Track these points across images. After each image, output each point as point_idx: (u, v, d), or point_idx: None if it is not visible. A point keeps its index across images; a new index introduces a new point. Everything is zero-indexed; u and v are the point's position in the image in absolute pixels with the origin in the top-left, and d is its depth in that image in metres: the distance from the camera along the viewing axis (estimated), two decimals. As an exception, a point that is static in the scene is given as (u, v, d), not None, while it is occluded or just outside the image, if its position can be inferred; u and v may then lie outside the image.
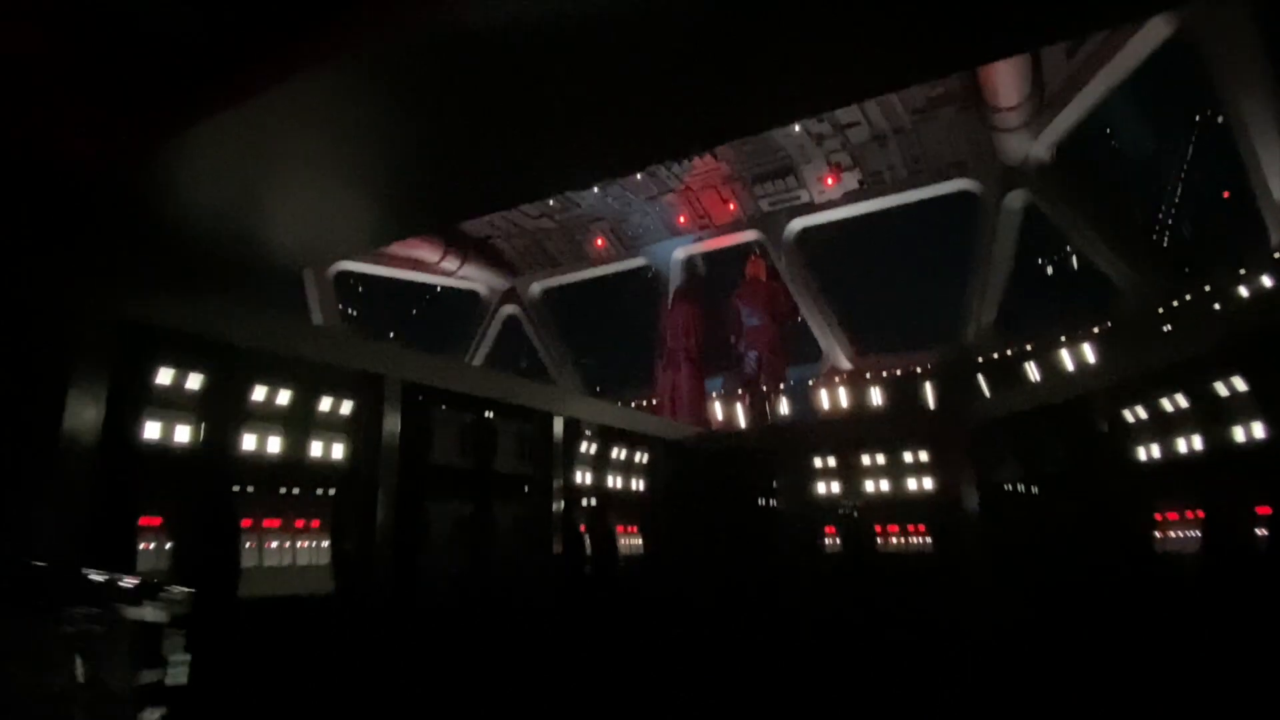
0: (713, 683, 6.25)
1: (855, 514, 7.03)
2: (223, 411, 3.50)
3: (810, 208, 9.44)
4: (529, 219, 10.21)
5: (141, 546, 3.06)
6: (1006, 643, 5.61)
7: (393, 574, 4.05)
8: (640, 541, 6.62)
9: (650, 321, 10.83)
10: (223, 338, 3.46)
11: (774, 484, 7.49)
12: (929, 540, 6.60)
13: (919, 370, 8.36)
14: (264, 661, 3.23)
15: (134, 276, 3.18)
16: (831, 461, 7.16)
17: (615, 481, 6.48)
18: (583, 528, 5.93)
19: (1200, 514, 4.15)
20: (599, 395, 11.12)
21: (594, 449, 6.18)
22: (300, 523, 3.73)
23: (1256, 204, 5.57)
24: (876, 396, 8.36)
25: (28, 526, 2.74)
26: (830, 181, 8.99)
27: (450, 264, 10.56)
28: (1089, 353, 6.69)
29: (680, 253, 10.55)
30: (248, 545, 3.46)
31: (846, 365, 9.38)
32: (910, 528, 6.68)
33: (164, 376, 3.27)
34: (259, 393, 3.64)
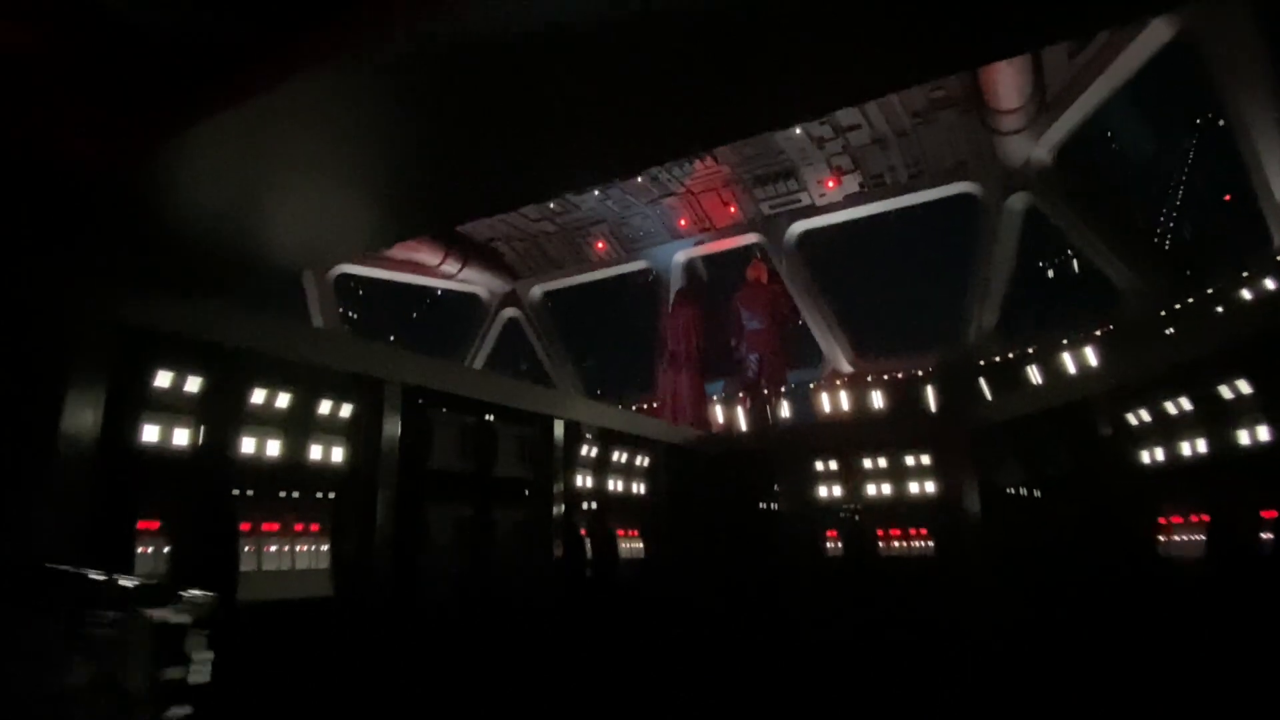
0: (714, 686, 6.22)
1: (856, 517, 7.00)
2: (222, 414, 3.48)
3: (811, 210, 9.44)
4: (529, 222, 10.20)
5: (139, 550, 3.04)
6: (1009, 646, 5.58)
7: (392, 578, 4.03)
8: (641, 545, 6.59)
9: (651, 325, 10.82)
10: (222, 340, 3.44)
11: (775, 487, 7.46)
12: (931, 544, 6.58)
13: (920, 373, 8.35)
14: (262, 666, 3.21)
15: (133, 277, 3.17)
16: (833, 465, 7.14)
17: (616, 485, 6.45)
18: (583, 531, 5.91)
19: (1205, 518, 4.12)
20: (599, 398, 11.11)
21: (594, 452, 6.17)
22: (299, 526, 3.71)
23: (1257, 206, 5.56)
24: (878, 400, 8.34)
25: (24, 529, 2.73)
26: (831, 184, 8.99)
27: (451, 267, 10.56)
28: (1091, 356, 6.67)
29: (681, 256, 10.54)
30: (246, 549, 3.44)
31: (847, 368, 9.36)
32: (912, 531, 6.66)
33: (163, 379, 3.25)
34: (258, 395, 3.62)
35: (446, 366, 5.64)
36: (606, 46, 1.94)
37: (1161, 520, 4.44)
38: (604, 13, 1.80)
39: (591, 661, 5.36)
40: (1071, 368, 6.83)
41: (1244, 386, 3.77)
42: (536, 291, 11.55)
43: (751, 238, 9.99)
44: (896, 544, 6.72)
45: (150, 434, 3.17)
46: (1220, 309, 5.84)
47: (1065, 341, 7.11)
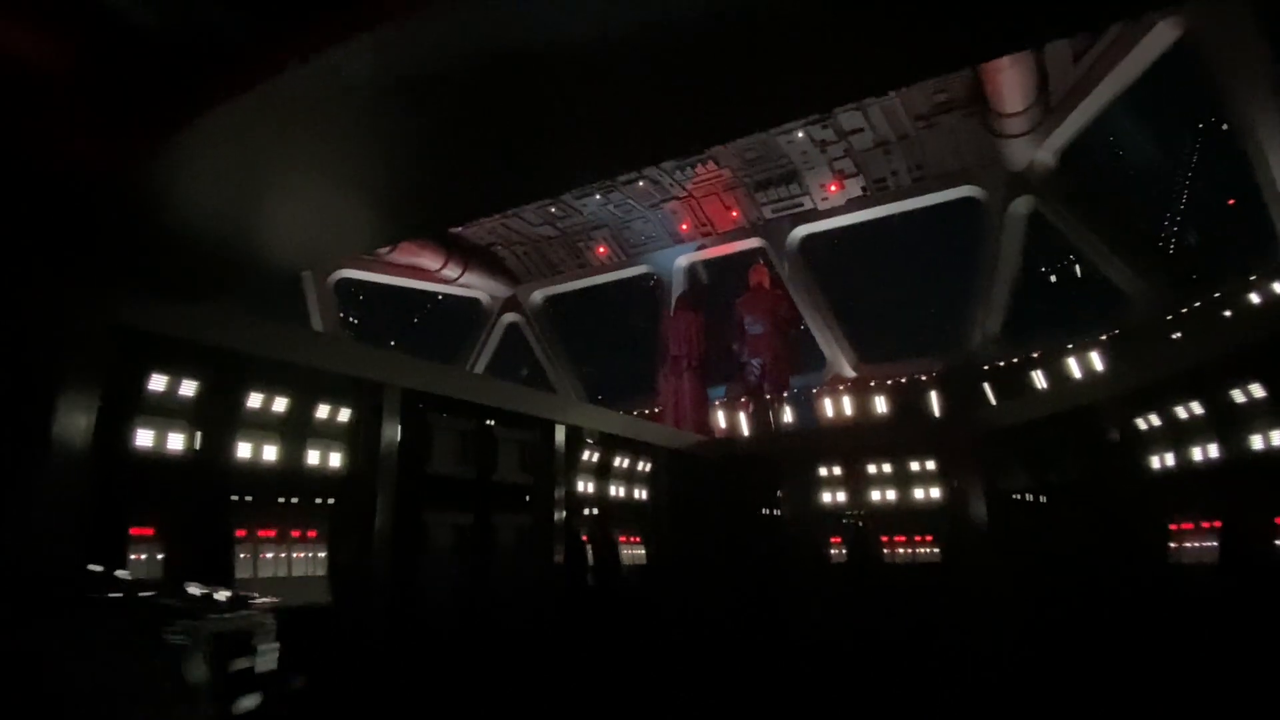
0: (717, 694, 6.14)
1: (860, 524, 6.94)
2: (217, 419, 3.43)
3: (814, 215, 9.40)
4: (530, 226, 10.17)
5: (133, 557, 2.99)
6: (1016, 655, 5.50)
7: (391, 585, 3.97)
8: (643, 551, 6.53)
9: (652, 329, 10.78)
10: (218, 343, 3.40)
11: (778, 493, 7.41)
12: (936, 550, 6.51)
13: (924, 378, 8.29)
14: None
15: (129, 279, 3.13)
16: (836, 470, 7.08)
17: (618, 491, 6.40)
18: (585, 537, 5.85)
19: (1216, 524, 4.06)
20: (601, 404, 11.05)
21: (596, 458, 6.11)
22: (296, 533, 3.66)
23: (1261, 211, 5.51)
24: (881, 405, 8.29)
25: (16, 535, 2.68)
26: (834, 188, 8.96)
27: (451, 271, 10.53)
28: (1097, 360, 6.61)
29: (683, 260, 10.51)
30: (242, 556, 3.39)
31: (850, 373, 9.31)
32: (917, 538, 6.59)
33: (157, 382, 3.20)
34: (255, 400, 3.57)
35: (446, 371, 5.59)
36: (606, 46, 1.91)
37: (1172, 527, 4.38)
38: (604, 13, 1.77)
39: (593, 670, 5.29)
40: (1077, 372, 6.78)
41: (1257, 390, 3.71)
42: (538, 296, 11.52)
43: (753, 242, 9.95)
44: (901, 550, 6.65)
45: (144, 439, 3.12)
46: (1228, 313, 5.78)
47: (1071, 346, 7.05)
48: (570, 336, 12.11)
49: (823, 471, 7.12)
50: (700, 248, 10.31)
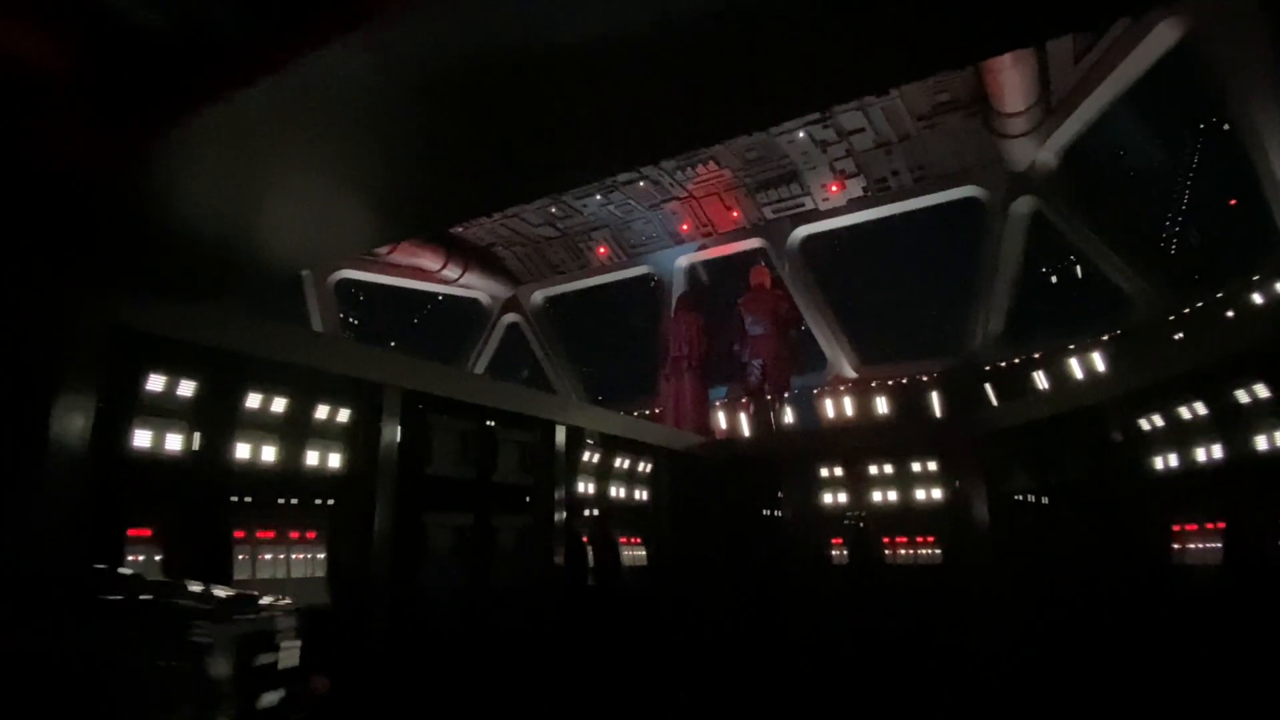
0: (718, 697, 6.13)
1: (862, 525, 6.92)
2: (217, 419, 3.42)
3: (815, 215, 9.38)
4: (531, 227, 10.16)
5: (130, 558, 2.97)
6: (1018, 657, 5.48)
7: (391, 586, 3.96)
8: (644, 553, 6.51)
9: (653, 330, 10.77)
10: (218, 343, 3.38)
11: (779, 494, 7.39)
12: (938, 552, 6.49)
13: (925, 379, 8.27)
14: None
15: (128, 279, 3.12)
16: (838, 471, 7.06)
17: (618, 492, 6.38)
18: (585, 539, 5.83)
19: (1221, 525, 4.04)
20: (601, 404, 11.04)
21: (597, 459, 6.10)
22: (295, 534, 3.65)
23: (1263, 211, 5.49)
24: (882, 405, 8.27)
25: (15, 535, 2.66)
26: (835, 189, 8.94)
27: (451, 272, 10.52)
28: (1099, 360, 6.59)
29: (683, 261, 10.50)
30: (240, 557, 3.37)
31: (851, 374, 9.29)
32: (919, 539, 6.57)
33: (157, 382, 3.19)
34: (254, 400, 3.56)
35: (446, 372, 5.58)
36: (606, 45, 1.90)
37: (1175, 528, 4.35)
38: (605, 13, 1.76)
39: (594, 672, 5.27)
40: (1080, 373, 6.76)
41: (1261, 390, 3.69)
42: (538, 296, 11.51)
43: (754, 242, 9.93)
44: (903, 552, 6.63)
45: (142, 439, 3.11)
46: (1231, 312, 5.76)
47: (1073, 347, 7.04)
48: (570, 337, 12.10)
49: (824, 472, 7.10)
50: (701, 248, 10.30)
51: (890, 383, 8.53)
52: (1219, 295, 6.01)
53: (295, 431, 3.75)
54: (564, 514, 5.42)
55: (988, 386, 7.69)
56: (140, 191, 2.62)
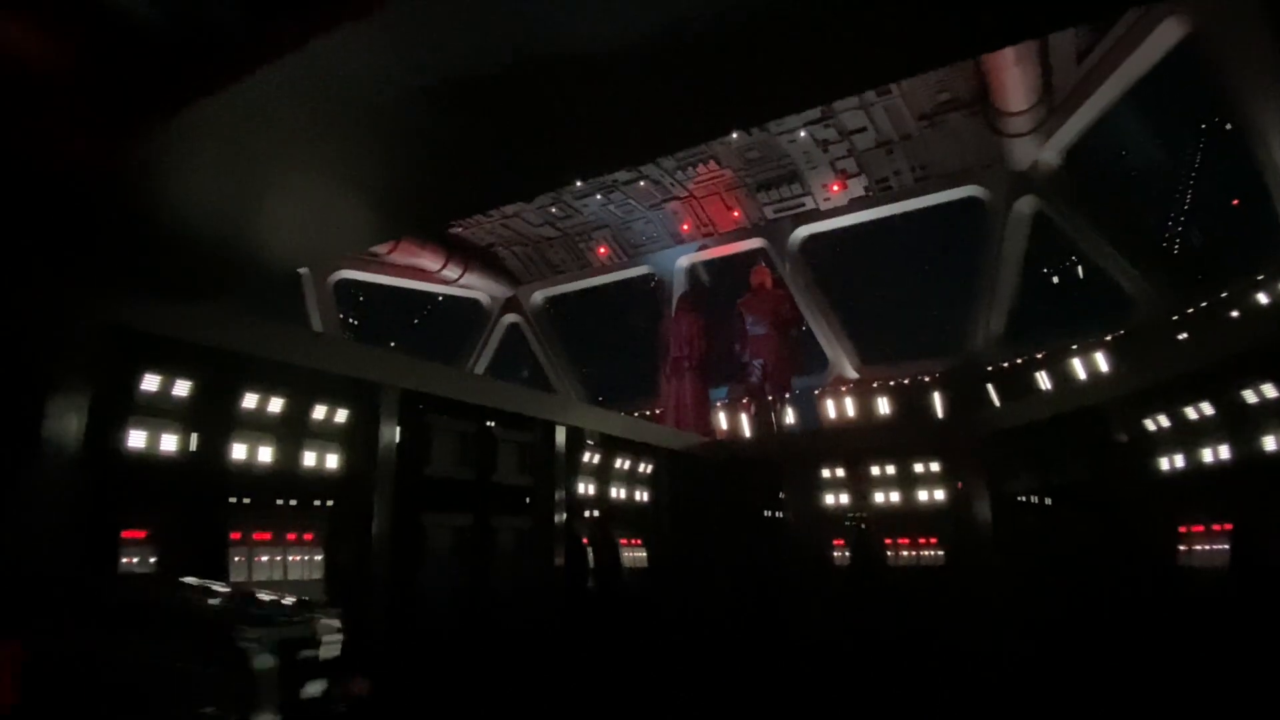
0: (719, 698, 6.10)
1: (863, 525, 6.89)
2: (215, 419, 3.39)
3: (816, 215, 9.35)
4: (531, 227, 10.14)
5: (124, 560, 2.95)
6: (1021, 658, 5.44)
7: (390, 588, 3.93)
8: (644, 554, 6.48)
9: (654, 330, 10.73)
10: (216, 343, 3.36)
11: (780, 495, 7.36)
12: (940, 553, 6.46)
13: (927, 379, 8.24)
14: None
15: (127, 279, 3.10)
16: (839, 472, 7.03)
17: (619, 492, 6.35)
18: (585, 540, 5.81)
19: (1227, 526, 4.00)
20: (602, 405, 11.01)
21: (597, 459, 6.07)
22: (292, 535, 3.62)
23: (1266, 211, 5.45)
24: (884, 406, 8.23)
25: (14, 535, 2.64)
26: (836, 188, 8.91)
27: (451, 272, 10.50)
28: (1103, 361, 6.56)
29: (684, 261, 10.47)
30: (236, 559, 3.34)
31: (853, 374, 9.25)
32: (921, 540, 6.54)
33: (155, 383, 3.16)
34: (250, 400, 3.53)
35: (446, 372, 5.56)
36: (606, 46, 1.89)
37: (1181, 529, 4.32)
38: (605, 12, 1.75)
39: (595, 672, 5.24)
40: (1082, 373, 6.72)
41: (1269, 390, 3.66)
42: (538, 297, 11.48)
43: (755, 242, 9.90)
44: (905, 553, 6.60)
45: (136, 440, 3.08)
46: (1235, 312, 5.73)
47: (1075, 347, 7.00)
48: (571, 337, 12.07)
49: (825, 473, 7.07)
50: (701, 248, 10.27)
51: (892, 383, 8.50)
52: (1223, 295, 5.97)
53: (293, 432, 3.72)
54: (564, 515, 5.39)
55: (990, 387, 7.66)
56: (139, 191, 2.60)
